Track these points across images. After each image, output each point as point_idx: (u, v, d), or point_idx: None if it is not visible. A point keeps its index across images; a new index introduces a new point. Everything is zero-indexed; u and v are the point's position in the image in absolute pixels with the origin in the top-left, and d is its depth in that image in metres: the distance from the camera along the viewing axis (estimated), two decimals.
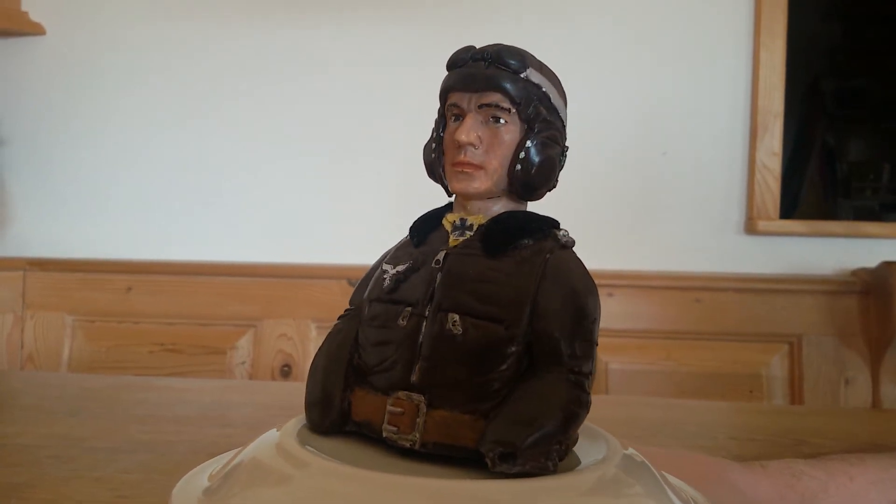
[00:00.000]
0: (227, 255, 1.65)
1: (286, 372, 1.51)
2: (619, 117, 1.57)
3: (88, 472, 0.58)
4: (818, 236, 1.55)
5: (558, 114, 0.38)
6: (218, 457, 0.41)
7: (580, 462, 0.36)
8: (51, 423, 0.72)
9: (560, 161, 0.38)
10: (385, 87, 1.61)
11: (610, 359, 1.45)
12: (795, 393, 1.42)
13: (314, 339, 1.51)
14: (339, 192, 1.64)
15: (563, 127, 0.38)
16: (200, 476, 0.38)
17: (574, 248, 0.37)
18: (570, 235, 0.36)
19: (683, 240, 1.57)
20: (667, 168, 1.57)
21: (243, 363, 1.53)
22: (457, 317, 0.35)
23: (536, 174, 0.37)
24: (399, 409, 0.35)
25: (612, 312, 1.47)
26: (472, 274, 0.36)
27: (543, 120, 0.37)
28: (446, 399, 0.35)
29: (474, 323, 0.35)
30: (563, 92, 0.39)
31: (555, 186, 0.38)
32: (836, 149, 1.70)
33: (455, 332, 0.35)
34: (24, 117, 1.72)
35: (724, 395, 1.40)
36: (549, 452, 0.33)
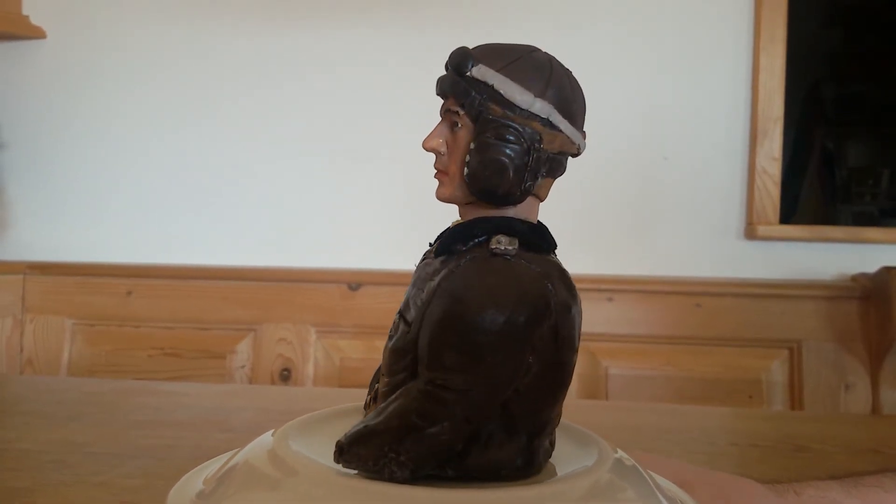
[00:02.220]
0: (227, 259, 1.65)
1: (286, 376, 1.51)
2: (619, 122, 1.57)
3: (90, 477, 0.58)
4: (818, 241, 1.56)
5: (517, 108, 0.35)
6: (215, 458, 0.41)
7: (572, 467, 0.36)
8: (51, 428, 0.72)
9: (523, 159, 0.35)
10: (386, 91, 1.61)
11: (610, 364, 1.45)
12: (795, 398, 1.42)
13: (314, 344, 1.51)
14: (340, 196, 1.64)
15: (538, 119, 0.35)
16: (196, 479, 0.39)
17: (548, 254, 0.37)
18: (509, 246, 0.34)
19: (683, 245, 1.57)
20: (667, 173, 1.58)
21: (243, 367, 1.53)
22: (397, 318, 0.37)
23: (480, 176, 0.35)
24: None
25: (611, 318, 1.47)
26: (421, 279, 0.37)
27: (488, 118, 0.35)
28: (382, 395, 0.36)
29: (403, 328, 0.36)
30: (537, 81, 0.36)
31: (520, 186, 0.35)
32: (836, 154, 1.70)
33: (393, 333, 0.37)
34: (24, 121, 1.72)
35: (725, 400, 1.40)
36: (378, 458, 0.32)
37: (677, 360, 1.45)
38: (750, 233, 1.55)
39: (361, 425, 0.33)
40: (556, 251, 0.38)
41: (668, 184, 1.58)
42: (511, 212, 0.37)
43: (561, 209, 1.58)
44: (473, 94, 0.35)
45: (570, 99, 0.36)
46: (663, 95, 1.57)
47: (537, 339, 0.33)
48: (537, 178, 0.36)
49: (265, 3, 1.65)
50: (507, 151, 0.35)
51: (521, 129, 0.35)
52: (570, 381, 0.36)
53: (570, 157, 0.38)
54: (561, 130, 0.36)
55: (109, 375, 1.51)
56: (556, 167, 0.37)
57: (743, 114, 1.56)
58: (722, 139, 1.57)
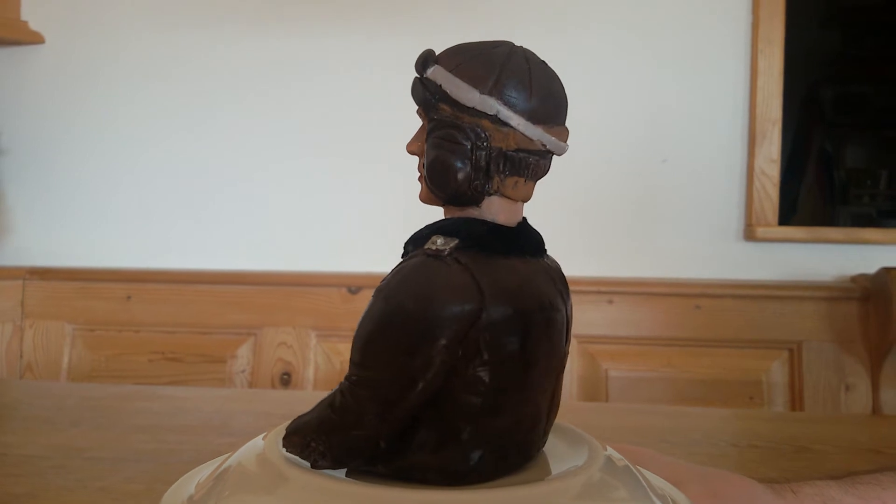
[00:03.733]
0: (226, 264, 1.65)
1: (286, 380, 1.51)
2: (618, 125, 1.58)
3: (91, 482, 0.58)
4: (817, 242, 1.56)
5: (463, 106, 0.35)
6: (208, 462, 0.41)
7: (563, 466, 0.36)
8: (52, 434, 0.72)
9: (470, 158, 0.35)
10: (385, 95, 1.61)
11: (610, 366, 1.45)
12: (796, 399, 1.42)
13: (314, 348, 1.51)
14: (340, 200, 1.64)
15: (486, 116, 0.34)
16: (188, 483, 0.39)
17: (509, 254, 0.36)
18: (442, 246, 0.34)
19: (683, 246, 1.58)
20: (666, 175, 1.58)
21: (243, 371, 1.53)
22: None
23: (431, 177, 0.36)
24: None
25: (612, 319, 1.47)
26: None
27: (436, 119, 0.35)
28: None
29: None
30: (485, 78, 0.35)
31: (469, 186, 0.35)
32: (834, 155, 1.70)
33: None
34: (23, 126, 1.73)
35: (725, 401, 1.40)
36: (304, 446, 0.34)
37: (677, 361, 1.45)
38: (749, 234, 1.55)
39: (301, 415, 0.35)
40: (534, 253, 0.37)
41: (667, 186, 1.58)
42: (475, 212, 0.36)
43: (561, 211, 1.59)
44: (427, 95, 0.36)
45: (525, 94, 0.35)
46: (662, 98, 1.58)
47: (455, 341, 0.32)
48: (493, 178, 0.35)
49: (264, 10, 1.65)
50: (452, 151, 0.35)
51: (466, 128, 0.35)
52: (536, 396, 0.34)
53: (551, 156, 0.37)
54: (512, 127, 0.35)
55: (109, 380, 1.51)
56: (520, 166, 0.35)
57: (741, 116, 1.57)
58: (721, 141, 1.57)
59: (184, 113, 1.68)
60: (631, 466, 0.38)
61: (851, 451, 0.75)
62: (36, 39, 1.70)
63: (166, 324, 1.56)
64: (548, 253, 0.39)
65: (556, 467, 0.36)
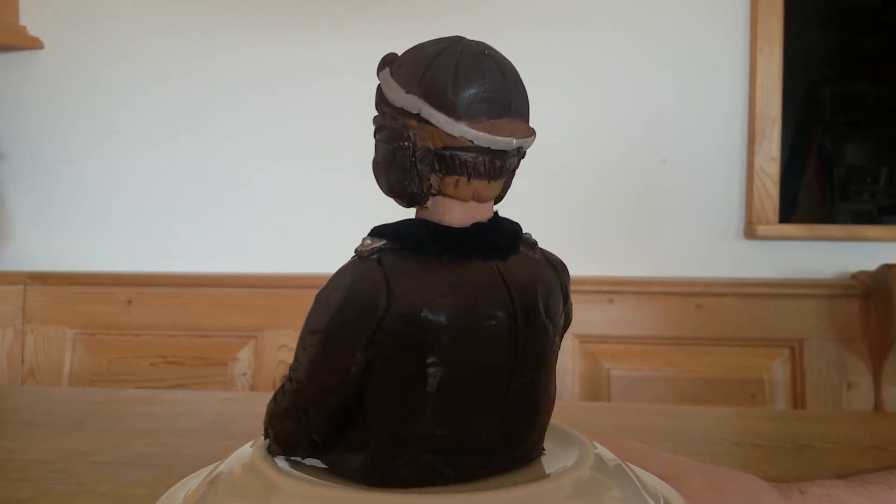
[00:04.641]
0: (227, 267, 1.65)
1: None
2: (618, 124, 1.58)
3: (93, 486, 0.58)
4: (817, 240, 1.56)
5: (395, 108, 0.34)
6: (197, 472, 0.41)
7: (554, 466, 0.36)
8: (54, 438, 0.72)
9: (396, 158, 0.34)
10: None
11: (612, 365, 1.45)
12: (797, 397, 1.42)
13: None
14: (340, 202, 1.64)
15: (411, 115, 0.34)
16: (177, 494, 0.38)
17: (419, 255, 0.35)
18: (369, 247, 0.34)
19: (683, 245, 1.57)
20: (666, 174, 1.58)
21: (245, 374, 1.53)
22: None
23: (375, 179, 0.36)
24: None
25: (612, 319, 1.47)
26: None
27: (377, 122, 0.36)
28: None
29: None
30: (412, 76, 0.34)
31: (401, 186, 0.35)
32: (834, 153, 1.70)
33: None
34: (23, 131, 1.73)
35: (727, 400, 1.40)
36: (265, 431, 0.37)
37: (679, 360, 1.45)
38: (749, 232, 1.55)
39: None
40: (487, 255, 0.35)
41: (667, 185, 1.58)
42: (425, 213, 0.36)
43: (561, 211, 1.59)
44: (376, 98, 0.36)
45: (448, 90, 0.33)
46: (661, 97, 1.58)
47: (362, 343, 0.32)
48: (429, 177, 0.34)
49: (263, 13, 1.65)
50: (385, 153, 0.35)
51: (397, 129, 0.34)
52: (468, 408, 0.33)
53: (509, 153, 0.34)
54: (432, 124, 0.33)
55: (111, 384, 1.51)
56: (453, 164, 0.34)
57: (741, 114, 1.57)
58: (720, 140, 1.57)
59: (183, 116, 1.68)
60: (623, 464, 0.37)
61: (854, 448, 0.75)
62: (35, 44, 1.70)
63: (167, 327, 1.56)
64: (544, 257, 0.37)
65: (546, 467, 0.36)
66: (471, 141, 0.33)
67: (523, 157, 0.37)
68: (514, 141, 0.34)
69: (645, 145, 1.58)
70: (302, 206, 1.65)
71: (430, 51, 0.35)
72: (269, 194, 1.66)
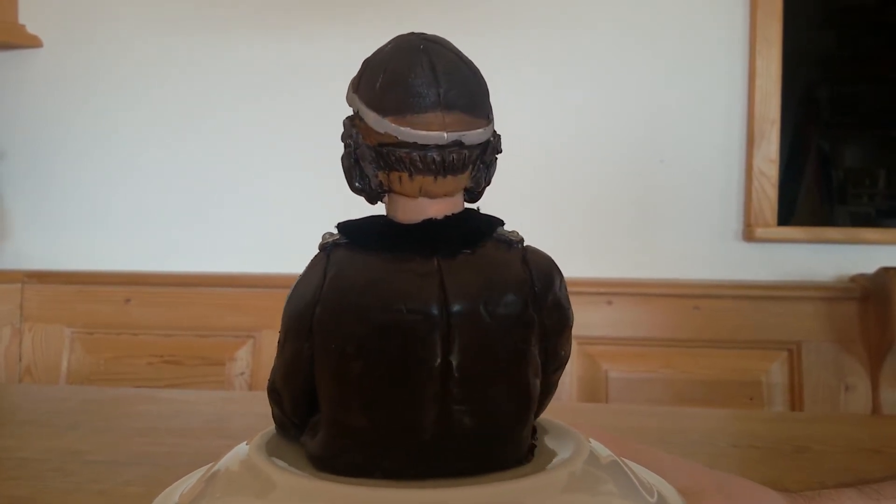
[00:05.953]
0: (225, 266, 1.65)
1: None
2: (616, 126, 1.58)
3: (90, 485, 0.58)
4: (816, 242, 1.56)
5: (352, 108, 0.36)
6: (193, 472, 0.41)
7: (548, 460, 0.36)
8: (51, 437, 0.71)
9: (349, 157, 0.36)
10: None
11: (609, 367, 1.45)
12: (795, 400, 1.42)
13: None
14: (338, 202, 1.64)
15: (356, 115, 0.35)
16: (174, 493, 0.38)
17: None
18: (327, 241, 0.36)
19: (682, 247, 1.58)
20: (664, 176, 1.58)
21: (242, 374, 1.53)
22: None
23: None
24: None
25: (610, 320, 1.47)
26: None
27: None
28: None
29: None
30: (358, 75, 0.35)
31: (352, 184, 0.36)
32: (832, 155, 1.70)
33: None
34: (21, 130, 1.73)
35: (724, 402, 1.40)
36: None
37: (677, 362, 1.45)
38: (748, 235, 1.55)
39: None
40: (424, 252, 0.34)
41: (665, 187, 1.58)
42: (387, 210, 0.37)
43: (560, 212, 1.59)
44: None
45: (374, 85, 0.34)
46: (660, 99, 1.58)
47: (303, 333, 0.34)
48: (375, 175, 0.35)
49: (263, 14, 1.65)
50: (346, 152, 0.37)
51: (345, 128, 0.36)
52: (401, 404, 0.32)
53: (452, 148, 0.33)
54: (363, 120, 0.34)
55: (108, 383, 1.51)
56: (389, 160, 0.34)
57: (739, 116, 1.57)
58: (719, 142, 1.57)
59: (182, 116, 1.68)
60: (618, 459, 0.37)
61: (852, 450, 0.74)
62: (34, 43, 1.69)
63: (165, 327, 1.56)
64: (522, 257, 0.35)
65: (540, 461, 0.36)
66: (395, 136, 0.33)
67: (498, 152, 0.35)
68: (445, 135, 0.33)
69: (643, 147, 1.58)
70: (301, 206, 1.65)
71: (380, 50, 0.36)
72: (267, 194, 1.66)
